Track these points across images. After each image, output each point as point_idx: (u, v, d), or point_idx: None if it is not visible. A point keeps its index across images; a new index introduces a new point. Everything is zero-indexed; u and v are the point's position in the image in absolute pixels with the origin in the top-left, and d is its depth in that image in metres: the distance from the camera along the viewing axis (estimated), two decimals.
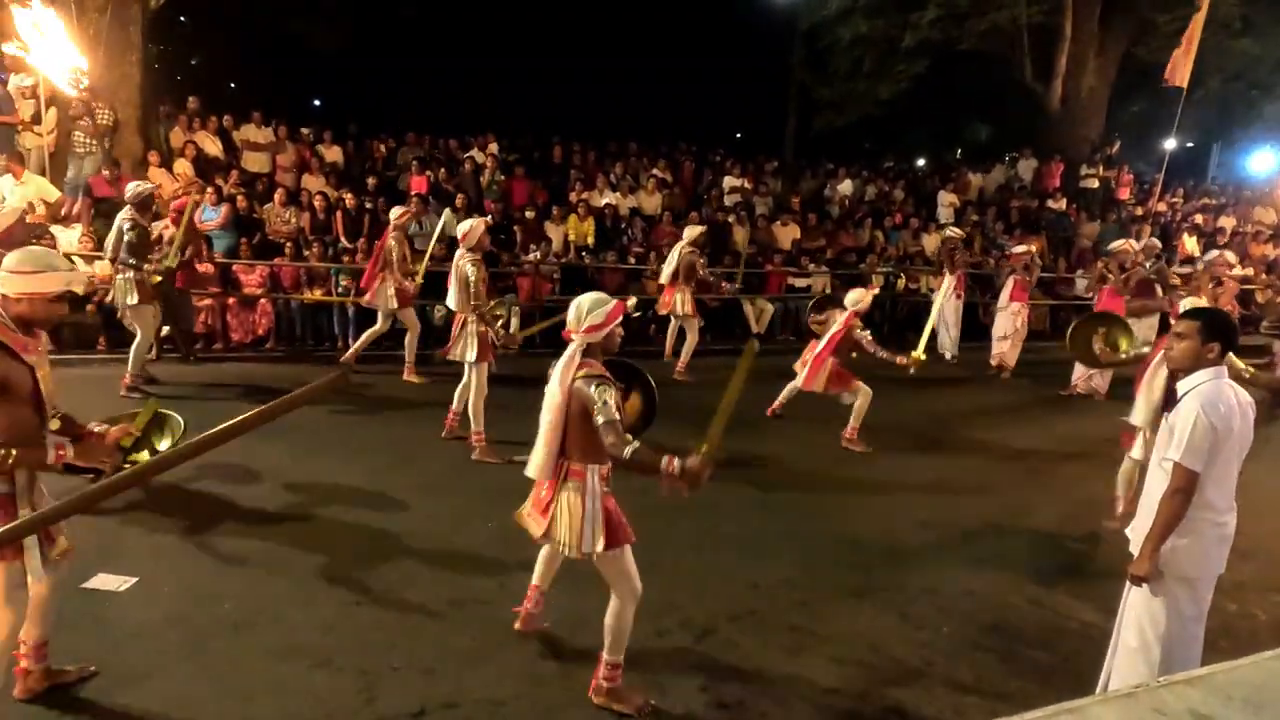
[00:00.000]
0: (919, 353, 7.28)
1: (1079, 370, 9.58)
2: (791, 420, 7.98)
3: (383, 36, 20.99)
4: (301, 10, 18.68)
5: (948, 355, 11.24)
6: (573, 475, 3.39)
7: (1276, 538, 5.46)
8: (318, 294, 10.15)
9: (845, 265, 12.88)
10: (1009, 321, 10.58)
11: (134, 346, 7.56)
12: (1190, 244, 15.14)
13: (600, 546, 3.33)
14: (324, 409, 7.61)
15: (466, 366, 6.53)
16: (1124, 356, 6.10)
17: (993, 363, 10.65)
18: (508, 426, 6.68)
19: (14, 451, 2.87)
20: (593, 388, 3.21)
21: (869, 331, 7.36)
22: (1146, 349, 5.71)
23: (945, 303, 11.08)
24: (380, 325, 8.66)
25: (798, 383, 7.55)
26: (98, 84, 10.09)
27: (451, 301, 6.58)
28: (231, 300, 9.73)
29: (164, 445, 4.21)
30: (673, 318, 9.80)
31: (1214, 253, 9.70)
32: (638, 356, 10.41)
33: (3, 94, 10.11)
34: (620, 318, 3.42)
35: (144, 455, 4.08)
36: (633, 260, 11.74)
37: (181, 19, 18.17)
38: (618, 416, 3.17)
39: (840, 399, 7.43)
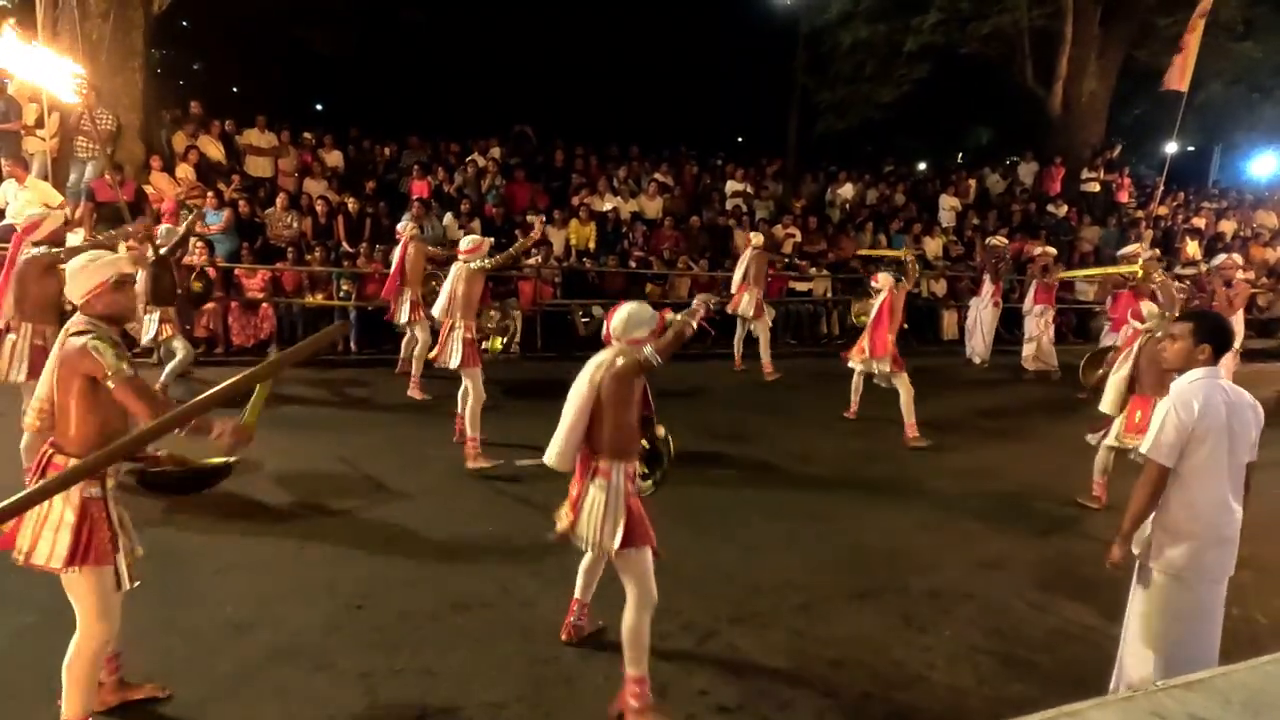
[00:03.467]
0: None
1: None
2: (792, 424, 7.99)
3: (385, 41, 21.03)
4: (304, 15, 18.72)
5: (978, 360, 11.32)
6: (600, 473, 3.46)
7: (1278, 543, 5.45)
8: (319, 298, 10.17)
9: (846, 269, 12.89)
10: (1033, 324, 10.71)
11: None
12: (1192, 248, 15.14)
13: (617, 543, 3.38)
14: (326, 412, 7.64)
15: (463, 373, 6.47)
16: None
17: (1025, 365, 10.74)
18: (511, 429, 6.71)
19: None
20: (636, 356, 3.38)
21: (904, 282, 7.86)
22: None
23: (982, 310, 11.23)
24: (423, 340, 8.24)
25: (861, 363, 7.79)
26: (100, 89, 10.12)
27: (438, 309, 6.62)
28: (233, 304, 9.75)
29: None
30: (740, 321, 9.96)
31: (1223, 256, 9.72)
32: None
33: (6, 99, 10.16)
34: (661, 331, 3.50)
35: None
36: (634, 264, 11.75)
37: (184, 24, 18.21)
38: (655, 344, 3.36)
39: (891, 382, 7.66)
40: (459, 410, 6.78)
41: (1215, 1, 12.23)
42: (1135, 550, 3.42)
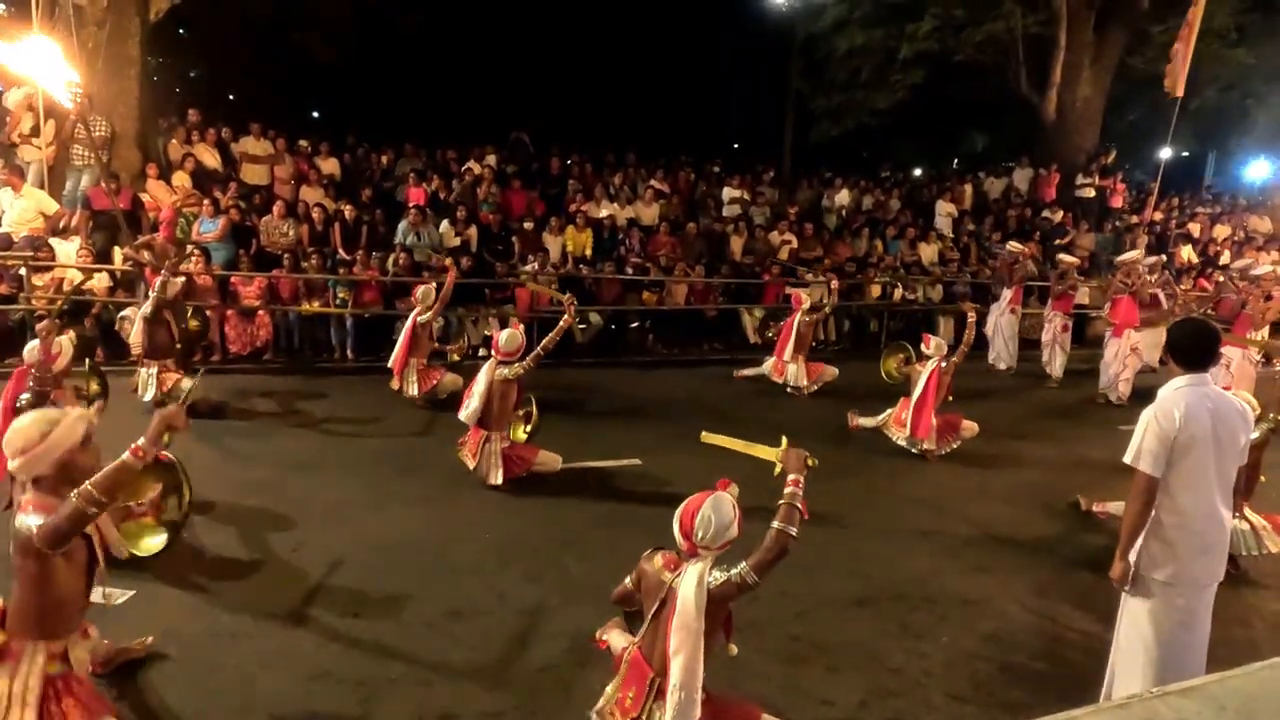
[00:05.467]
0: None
1: (1104, 378, 9.70)
2: (789, 430, 7.97)
3: (381, 48, 21.08)
4: (300, 23, 18.75)
5: (1002, 366, 11.41)
6: (664, 696, 2.88)
7: None
8: (316, 305, 10.17)
9: (843, 275, 12.90)
10: (1045, 330, 10.85)
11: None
12: (1186, 253, 15.21)
13: None
14: (321, 419, 7.62)
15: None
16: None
17: (1045, 369, 10.86)
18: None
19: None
20: (731, 575, 2.85)
21: (953, 356, 7.38)
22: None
23: (1002, 316, 11.29)
24: (451, 378, 8.11)
25: (905, 440, 7.35)
26: (96, 97, 10.14)
27: (468, 416, 6.08)
28: (230, 311, 9.74)
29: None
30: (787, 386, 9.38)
31: (1266, 268, 9.72)
32: (634, 367, 10.47)
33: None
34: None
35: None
36: (630, 271, 11.76)
37: (180, 31, 18.23)
38: (754, 560, 2.83)
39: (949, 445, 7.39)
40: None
41: (1208, 9, 12.29)
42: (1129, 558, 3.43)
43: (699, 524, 2.90)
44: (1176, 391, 3.23)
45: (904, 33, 16.44)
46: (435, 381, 8.08)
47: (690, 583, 2.84)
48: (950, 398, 7.45)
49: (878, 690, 3.84)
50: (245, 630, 4.04)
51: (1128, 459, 3.26)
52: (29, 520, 2.60)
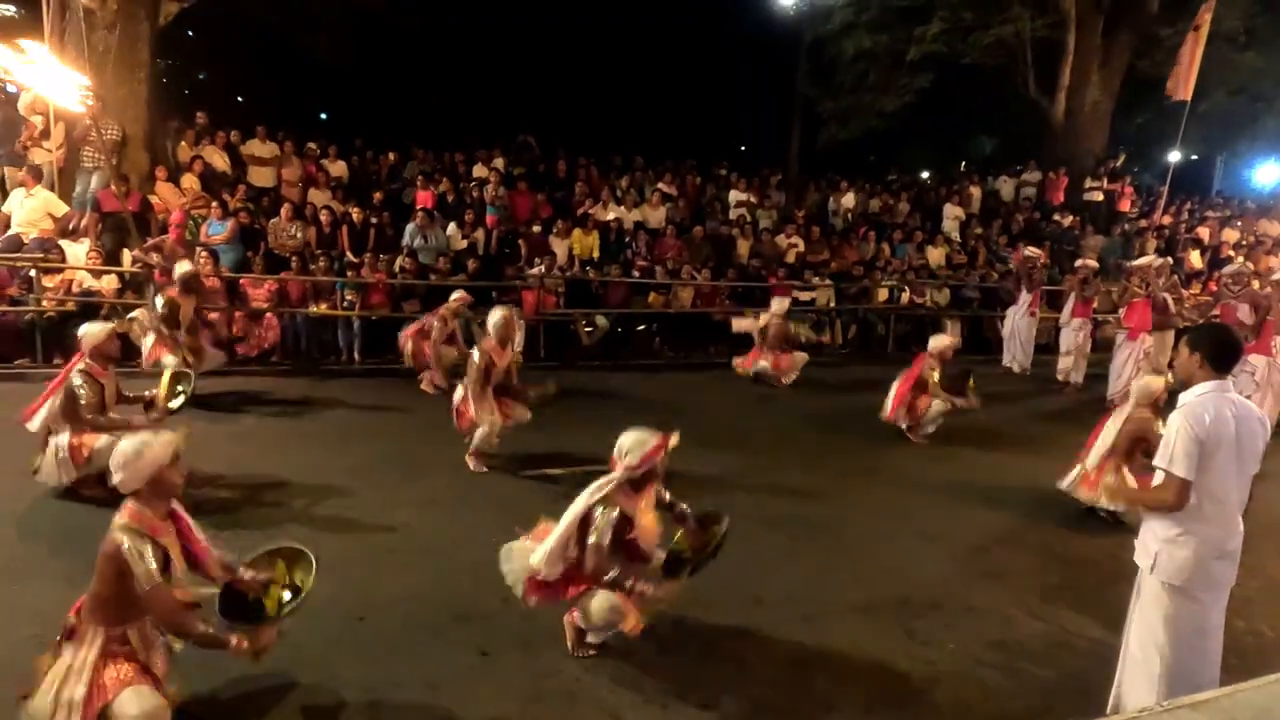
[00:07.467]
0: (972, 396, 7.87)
1: (1114, 384, 9.69)
2: (794, 434, 7.97)
3: (388, 50, 21.14)
4: (307, 25, 18.83)
5: (1017, 369, 11.45)
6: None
7: None
8: (323, 308, 10.18)
9: (850, 278, 12.89)
10: (1071, 337, 10.84)
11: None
12: (1195, 258, 15.13)
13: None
14: (327, 423, 7.64)
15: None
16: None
17: (1059, 377, 10.88)
18: (516, 440, 6.69)
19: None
20: (599, 510, 3.72)
21: (937, 374, 7.67)
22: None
23: (1020, 318, 11.32)
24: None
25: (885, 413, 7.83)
26: (106, 100, 10.19)
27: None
28: (238, 314, 9.76)
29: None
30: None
31: (1236, 266, 9.68)
32: (641, 370, 10.47)
33: (13, 115, 10.24)
34: (659, 455, 3.79)
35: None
36: (637, 274, 11.76)
37: (189, 34, 18.32)
38: (602, 542, 3.68)
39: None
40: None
41: (1217, 12, 12.26)
42: (1139, 562, 3.41)
43: (620, 441, 3.78)
44: (1202, 397, 3.21)
45: (911, 36, 16.42)
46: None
47: (596, 483, 3.77)
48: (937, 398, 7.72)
49: (883, 697, 3.82)
50: None
51: (1160, 462, 3.21)
52: (122, 537, 2.98)
